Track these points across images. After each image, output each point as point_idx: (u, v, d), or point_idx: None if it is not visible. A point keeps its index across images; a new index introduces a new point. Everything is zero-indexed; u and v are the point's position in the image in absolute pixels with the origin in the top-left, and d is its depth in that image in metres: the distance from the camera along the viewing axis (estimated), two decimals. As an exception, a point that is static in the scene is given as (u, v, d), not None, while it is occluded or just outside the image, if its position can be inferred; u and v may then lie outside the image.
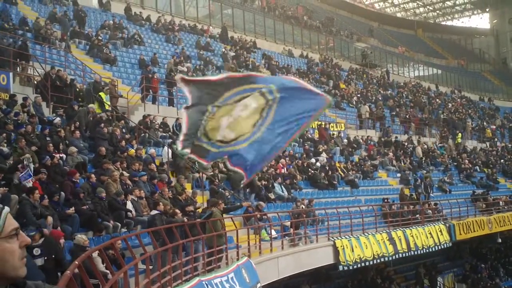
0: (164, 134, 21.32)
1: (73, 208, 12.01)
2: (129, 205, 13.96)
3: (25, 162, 12.32)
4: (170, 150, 18.87)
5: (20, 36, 21.75)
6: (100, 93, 20.01)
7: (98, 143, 16.67)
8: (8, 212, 1.86)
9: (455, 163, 37.10)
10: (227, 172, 18.81)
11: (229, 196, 18.73)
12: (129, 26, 31.81)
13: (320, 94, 6.76)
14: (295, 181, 23.41)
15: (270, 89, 6.63)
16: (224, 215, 14.83)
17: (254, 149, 6.66)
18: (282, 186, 21.84)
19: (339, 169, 27.30)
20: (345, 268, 18.91)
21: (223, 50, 35.97)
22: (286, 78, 7.01)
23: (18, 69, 19.64)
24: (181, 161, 18.29)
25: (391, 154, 32.71)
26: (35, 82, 19.44)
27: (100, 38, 26.76)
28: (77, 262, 6.26)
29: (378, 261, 20.76)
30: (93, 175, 14.18)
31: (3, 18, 22.97)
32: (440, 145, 39.67)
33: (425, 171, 32.40)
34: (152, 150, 18.80)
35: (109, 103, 20.30)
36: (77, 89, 19.74)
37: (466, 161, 37.71)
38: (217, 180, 19.12)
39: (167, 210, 13.77)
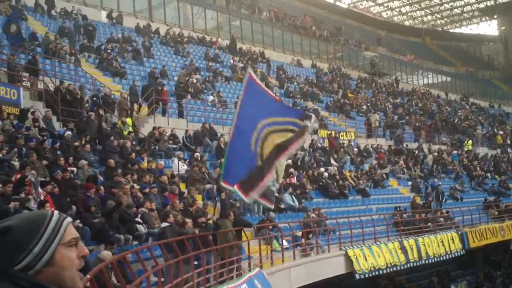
0: (174, 146, 21.38)
1: (78, 220, 11.96)
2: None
3: (32, 179, 12.32)
4: (180, 162, 18.88)
5: (30, 51, 21.92)
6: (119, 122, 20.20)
7: (108, 156, 16.71)
8: (70, 222, 1.86)
9: (466, 171, 36.87)
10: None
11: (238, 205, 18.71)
12: (138, 39, 31.95)
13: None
14: (306, 191, 23.35)
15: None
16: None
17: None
18: (293, 196, 21.78)
19: (349, 178, 27.21)
20: (361, 276, 18.85)
21: (232, 61, 36.06)
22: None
23: (25, 83, 19.60)
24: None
25: (401, 162, 32.59)
26: (45, 96, 19.52)
27: (109, 51, 26.92)
28: (89, 276, 6.28)
29: (391, 269, 20.66)
30: (103, 188, 14.20)
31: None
32: (454, 152, 39.38)
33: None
34: (160, 162, 18.82)
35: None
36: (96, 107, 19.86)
37: (478, 168, 37.48)
38: (227, 191, 19.09)
39: (178, 220, 13.76)
